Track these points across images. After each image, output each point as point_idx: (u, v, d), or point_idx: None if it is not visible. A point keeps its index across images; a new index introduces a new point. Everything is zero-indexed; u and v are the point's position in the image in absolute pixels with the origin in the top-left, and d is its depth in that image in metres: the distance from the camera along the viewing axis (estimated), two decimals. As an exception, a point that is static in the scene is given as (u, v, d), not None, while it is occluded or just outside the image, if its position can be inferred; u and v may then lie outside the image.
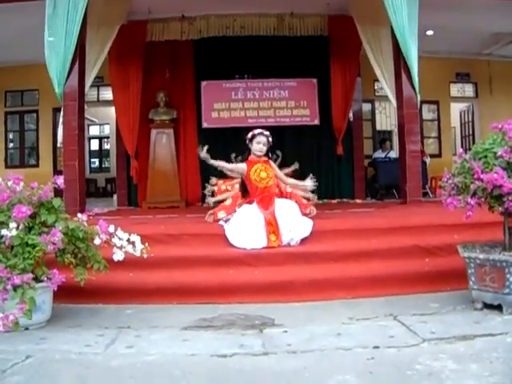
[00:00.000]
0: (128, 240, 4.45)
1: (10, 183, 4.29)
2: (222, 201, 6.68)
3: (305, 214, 5.98)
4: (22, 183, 4.33)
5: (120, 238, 4.42)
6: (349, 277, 5.06)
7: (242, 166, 6.03)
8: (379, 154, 11.89)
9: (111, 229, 4.41)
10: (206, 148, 6.10)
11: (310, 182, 6.33)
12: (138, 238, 4.50)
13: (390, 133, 13.83)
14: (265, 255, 5.36)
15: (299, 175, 7.10)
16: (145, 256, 4.49)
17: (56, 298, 4.38)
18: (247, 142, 6.06)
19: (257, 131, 6.02)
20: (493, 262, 4.18)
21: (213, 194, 7.36)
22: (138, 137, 10.34)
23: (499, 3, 8.21)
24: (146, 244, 4.52)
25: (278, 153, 7.90)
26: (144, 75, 10.24)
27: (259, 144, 5.93)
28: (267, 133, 6.03)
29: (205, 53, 10.70)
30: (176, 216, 7.71)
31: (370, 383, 2.93)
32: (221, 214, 6.13)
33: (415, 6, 7.17)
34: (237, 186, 6.43)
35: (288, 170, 7.61)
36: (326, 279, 5.03)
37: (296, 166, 8.00)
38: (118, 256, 4.41)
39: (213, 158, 7.63)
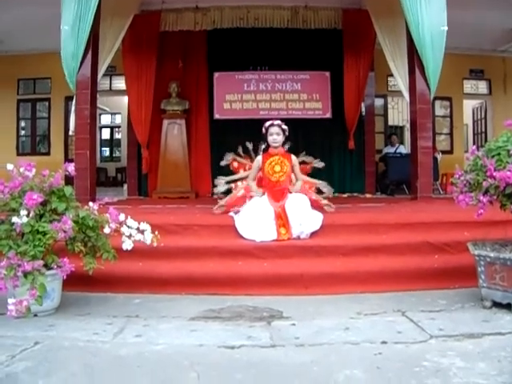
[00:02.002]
0: (137, 229, 4.46)
1: (22, 169, 4.30)
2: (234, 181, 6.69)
3: (318, 207, 5.97)
4: (34, 170, 4.34)
5: (129, 227, 4.43)
6: (358, 271, 5.05)
7: (256, 163, 6.05)
8: (389, 149, 11.86)
9: (121, 217, 4.42)
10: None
11: (326, 189, 6.37)
12: (148, 226, 4.51)
13: (401, 128, 13.78)
14: (274, 248, 5.35)
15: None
16: (155, 244, 4.50)
17: (65, 285, 4.40)
18: (264, 136, 6.06)
19: (267, 124, 6.01)
20: (503, 260, 4.15)
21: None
22: (149, 127, 10.37)
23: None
24: (156, 232, 4.54)
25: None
26: (157, 65, 10.27)
27: (272, 135, 5.93)
28: (278, 122, 6.01)
29: (218, 44, 10.71)
30: (186, 207, 7.72)
31: (377, 378, 2.92)
32: (234, 208, 6.11)
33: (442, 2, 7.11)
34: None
35: (308, 160, 7.56)
36: (335, 273, 5.03)
37: (321, 164, 7.84)
38: (127, 245, 4.42)
39: (223, 149, 7.66)
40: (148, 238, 4.46)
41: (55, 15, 7.06)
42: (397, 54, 8.48)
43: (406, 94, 8.22)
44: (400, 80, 8.44)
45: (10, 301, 3.69)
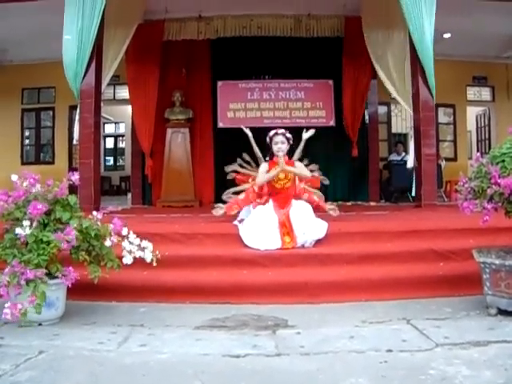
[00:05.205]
0: (139, 245, 4.47)
1: (25, 183, 4.31)
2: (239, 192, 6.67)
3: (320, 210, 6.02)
4: (38, 185, 4.35)
5: (131, 243, 4.45)
6: (362, 279, 5.04)
7: (263, 167, 6.04)
8: (395, 157, 11.83)
9: (124, 231, 4.43)
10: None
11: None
12: (150, 244, 4.53)
13: (405, 136, 13.76)
14: (279, 256, 5.36)
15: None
16: (154, 264, 4.52)
17: (70, 294, 4.41)
18: (269, 145, 6.07)
19: (272, 133, 6.04)
20: (508, 267, 4.14)
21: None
22: (153, 136, 10.39)
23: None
24: (157, 252, 4.54)
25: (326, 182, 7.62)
26: (160, 75, 10.29)
27: (277, 144, 5.94)
28: (282, 131, 6.04)
29: (221, 53, 10.73)
30: (190, 215, 7.72)
31: (382, 387, 2.92)
32: (234, 210, 6.13)
33: (432, 9, 7.13)
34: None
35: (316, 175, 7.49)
36: (340, 281, 5.02)
37: (326, 181, 7.69)
38: (127, 260, 4.44)
39: (227, 157, 7.62)
40: (148, 256, 4.48)
41: (60, 25, 7.08)
42: (392, 64, 8.50)
43: (403, 102, 8.28)
44: (393, 89, 8.48)
45: (7, 305, 3.70)
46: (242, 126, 6.82)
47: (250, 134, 6.70)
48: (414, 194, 8.37)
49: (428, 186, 7.63)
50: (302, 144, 6.36)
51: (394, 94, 8.56)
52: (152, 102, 10.25)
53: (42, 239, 4.06)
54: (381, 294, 4.88)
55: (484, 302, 4.37)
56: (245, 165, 7.20)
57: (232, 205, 6.20)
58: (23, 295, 3.83)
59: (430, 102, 7.64)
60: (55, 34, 7.20)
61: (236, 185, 7.13)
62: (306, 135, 6.35)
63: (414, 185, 8.22)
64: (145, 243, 4.51)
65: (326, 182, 7.29)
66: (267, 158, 6.21)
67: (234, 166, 7.20)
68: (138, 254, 4.46)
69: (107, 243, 4.37)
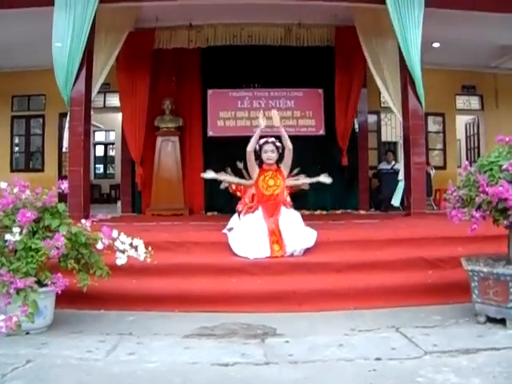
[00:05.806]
0: (131, 244, 4.45)
1: (15, 190, 4.29)
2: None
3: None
4: (28, 191, 4.33)
5: (122, 242, 4.42)
6: (351, 288, 5.04)
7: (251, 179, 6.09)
8: (385, 166, 11.85)
9: (114, 234, 4.41)
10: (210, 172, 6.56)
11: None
12: (141, 241, 4.50)
13: (395, 144, 13.81)
14: (268, 265, 5.35)
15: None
16: (148, 260, 4.48)
17: (58, 303, 4.38)
18: (258, 153, 6.08)
19: (262, 141, 6.05)
20: (497, 275, 4.16)
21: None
22: (143, 144, 10.38)
23: (506, 16, 8.21)
24: (150, 248, 4.52)
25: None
26: (151, 83, 10.28)
27: (267, 153, 5.97)
28: (272, 139, 6.08)
29: (212, 61, 10.74)
30: (180, 224, 7.71)
31: (371, 395, 2.91)
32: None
33: (420, 18, 7.20)
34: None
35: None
36: (329, 290, 5.02)
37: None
38: (121, 260, 4.41)
39: (217, 166, 7.62)
40: (141, 253, 4.45)
41: (50, 32, 7.08)
42: (387, 72, 8.53)
43: (397, 111, 8.29)
44: (389, 97, 8.51)
45: (1, 317, 3.67)
46: (202, 174, 6.96)
47: (212, 175, 6.69)
48: (395, 204, 8.45)
49: (417, 195, 7.67)
50: (312, 180, 6.56)
51: (390, 103, 8.57)
52: (142, 110, 10.26)
53: (31, 247, 4.04)
54: (370, 302, 4.89)
55: (473, 309, 4.39)
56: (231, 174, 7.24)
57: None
58: (13, 305, 3.80)
59: (419, 110, 7.69)
60: (45, 41, 7.20)
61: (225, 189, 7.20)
62: (322, 179, 6.49)
63: (396, 195, 8.30)
64: (136, 241, 4.48)
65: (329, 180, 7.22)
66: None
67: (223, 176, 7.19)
68: (132, 252, 4.43)
69: (99, 246, 4.34)
